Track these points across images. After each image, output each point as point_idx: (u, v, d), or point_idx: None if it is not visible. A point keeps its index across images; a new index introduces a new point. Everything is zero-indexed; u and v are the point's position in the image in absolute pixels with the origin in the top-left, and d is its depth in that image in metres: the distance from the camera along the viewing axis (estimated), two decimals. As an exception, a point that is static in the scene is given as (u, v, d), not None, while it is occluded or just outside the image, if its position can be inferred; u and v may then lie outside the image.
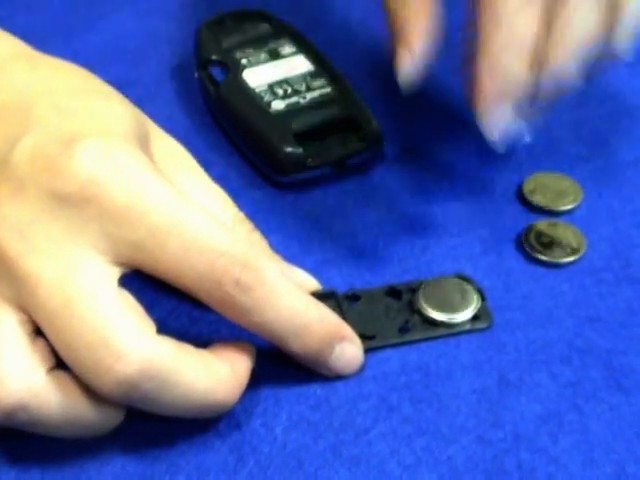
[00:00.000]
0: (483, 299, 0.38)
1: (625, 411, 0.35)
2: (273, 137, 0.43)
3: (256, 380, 0.35)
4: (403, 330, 0.38)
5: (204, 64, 0.48)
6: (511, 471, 0.33)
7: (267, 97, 0.45)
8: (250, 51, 0.48)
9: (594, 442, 0.34)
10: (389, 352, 0.37)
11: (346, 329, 0.35)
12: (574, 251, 0.40)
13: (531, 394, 0.35)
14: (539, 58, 0.36)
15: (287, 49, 0.48)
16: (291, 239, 0.42)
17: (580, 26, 0.36)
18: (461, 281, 0.39)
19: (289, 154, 0.43)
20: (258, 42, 0.49)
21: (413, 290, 0.39)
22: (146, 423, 0.34)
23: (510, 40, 0.36)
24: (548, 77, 0.37)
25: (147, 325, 0.32)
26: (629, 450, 0.34)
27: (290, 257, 0.39)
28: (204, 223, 0.32)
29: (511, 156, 0.45)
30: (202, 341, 0.34)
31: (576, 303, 0.39)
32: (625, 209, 0.43)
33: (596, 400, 0.35)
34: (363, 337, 0.36)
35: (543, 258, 0.40)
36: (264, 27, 0.50)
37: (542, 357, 0.37)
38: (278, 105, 0.45)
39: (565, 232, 0.41)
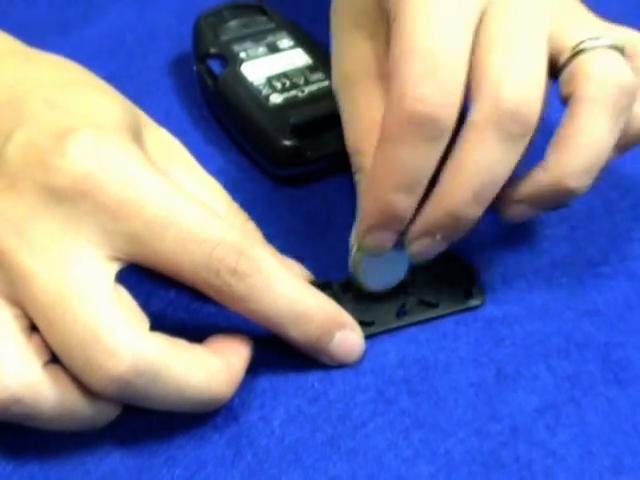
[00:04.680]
0: (473, 277, 0.39)
1: (623, 404, 0.35)
2: (271, 130, 0.43)
3: (254, 373, 0.36)
4: (401, 314, 0.38)
5: (202, 57, 0.48)
6: (509, 464, 0.33)
7: (265, 91, 0.45)
8: (248, 44, 0.48)
9: (592, 435, 0.34)
10: (387, 345, 0.37)
11: (345, 316, 0.36)
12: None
13: (529, 387, 0.36)
14: (437, 197, 0.34)
15: (285, 42, 0.48)
16: (288, 232, 0.42)
17: (481, 168, 0.34)
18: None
19: (287, 147, 0.43)
20: (256, 35, 0.48)
21: None
22: (144, 417, 0.34)
23: (393, 174, 0.34)
24: (445, 215, 0.34)
25: (140, 322, 0.32)
26: (627, 443, 0.34)
27: (287, 250, 0.39)
28: (199, 213, 0.32)
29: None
30: (200, 333, 0.34)
31: (574, 296, 0.39)
32: (623, 202, 0.43)
33: (594, 393, 0.35)
34: (362, 324, 0.37)
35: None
36: (262, 20, 0.50)
37: (540, 350, 0.37)
38: (276, 99, 0.45)
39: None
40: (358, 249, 0.37)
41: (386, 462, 0.33)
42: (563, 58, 0.36)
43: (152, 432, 0.34)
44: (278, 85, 0.45)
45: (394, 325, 0.38)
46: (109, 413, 0.33)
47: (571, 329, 0.38)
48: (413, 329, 0.38)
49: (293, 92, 0.45)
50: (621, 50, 0.36)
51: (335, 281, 0.38)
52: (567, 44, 0.36)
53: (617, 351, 0.37)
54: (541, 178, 0.36)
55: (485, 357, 0.37)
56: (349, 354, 0.36)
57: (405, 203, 0.34)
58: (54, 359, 0.32)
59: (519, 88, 0.33)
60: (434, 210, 0.35)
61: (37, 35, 0.40)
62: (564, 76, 0.36)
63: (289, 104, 0.44)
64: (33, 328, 0.32)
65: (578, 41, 0.36)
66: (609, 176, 0.44)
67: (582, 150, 0.35)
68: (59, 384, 0.31)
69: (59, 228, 0.31)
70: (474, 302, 0.38)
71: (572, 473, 0.33)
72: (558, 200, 0.36)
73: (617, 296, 0.39)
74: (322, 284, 0.38)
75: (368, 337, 0.37)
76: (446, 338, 0.37)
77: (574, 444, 0.34)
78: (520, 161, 0.35)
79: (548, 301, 0.39)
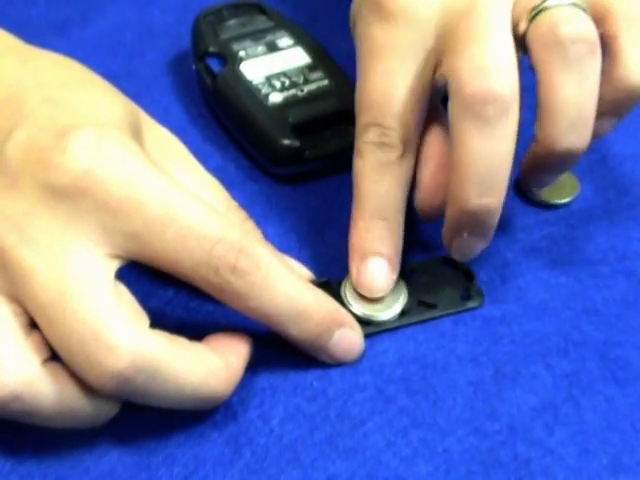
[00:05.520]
0: (471, 279, 0.39)
1: (620, 402, 0.35)
2: (270, 129, 0.43)
3: (253, 372, 0.36)
4: (401, 313, 0.38)
5: (201, 56, 0.48)
6: (507, 463, 0.33)
7: (265, 89, 0.45)
8: (248, 43, 0.48)
9: (590, 433, 0.34)
10: (386, 343, 0.37)
11: (345, 314, 0.36)
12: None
13: (527, 386, 0.36)
14: (448, 198, 0.36)
15: (285, 41, 0.48)
16: (288, 231, 0.42)
17: (473, 159, 0.35)
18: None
19: (286, 146, 0.43)
20: (256, 34, 0.48)
21: (402, 273, 0.39)
22: (143, 414, 0.34)
23: (364, 209, 0.38)
24: (459, 213, 0.36)
25: (140, 319, 0.32)
26: (624, 441, 0.34)
27: (287, 249, 0.39)
28: (199, 211, 0.32)
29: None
30: (199, 332, 0.34)
31: (572, 295, 0.39)
32: (621, 202, 0.43)
33: (592, 392, 0.35)
34: (361, 323, 0.37)
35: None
36: (262, 19, 0.50)
37: (538, 349, 0.37)
38: (276, 98, 0.45)
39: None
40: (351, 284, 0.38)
41: (385, 461, 0.33)
42: (523, 24, 0.36)
43: (151, 430, 0.34)
44: (277, 84, 0.45)
45: (394, 325, 0.38)
46: (108, 411, 0.33)
47: (569, 328, 0.38)
48: (412, 328, 0.38)
49: (292, 91, 0.45)
50: (583, 8, 0.35)
51: (335, 280, 0.39)
52: (528, 7, 0.36)
53: (615, 350, 0.37)
54: (535, 148, 0.36)
55: (483, 356, 0.37)
56: (348, 353, 0.36)
57: (380, 230, 0.37)
58: (53, 357, 0.32)
59: (478, 70, 0.34)
60: (449, 211, 0.36)
61: (36, 34, 0.40)
62: (526, 42, 0.36)
63: (288, 103, 0.44)
64: (33, 325, 0.32)
65: (538, 2, 0.35)
66: (608, 176, 0.44)
67: (557, 110, 0.35)
68: (58, 381, 0.31)
69: (59, 226, 0.31)
70: (472, 304, 0.38)
71: (570, 472, 0.33)
72: (564, 163, 0.37)
73: (615, 295, 0.39)
74: (322, 283, 0.38)
75: (367, 336, 0.37)
76: (445, 337, 0.37)
77: (572, 443, 0.34)
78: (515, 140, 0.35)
79: (546, 300, 0.39)
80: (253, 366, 0.35)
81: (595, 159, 0.45)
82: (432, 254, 0.40)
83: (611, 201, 0.43)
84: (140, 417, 0.34)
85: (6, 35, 0.38)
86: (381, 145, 0.38)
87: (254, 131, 0.44)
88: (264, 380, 0.36)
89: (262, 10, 0.50)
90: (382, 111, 0.38)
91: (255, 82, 0.45)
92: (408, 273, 0.39)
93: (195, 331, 0.34)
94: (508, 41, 0.35)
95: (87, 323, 0.30)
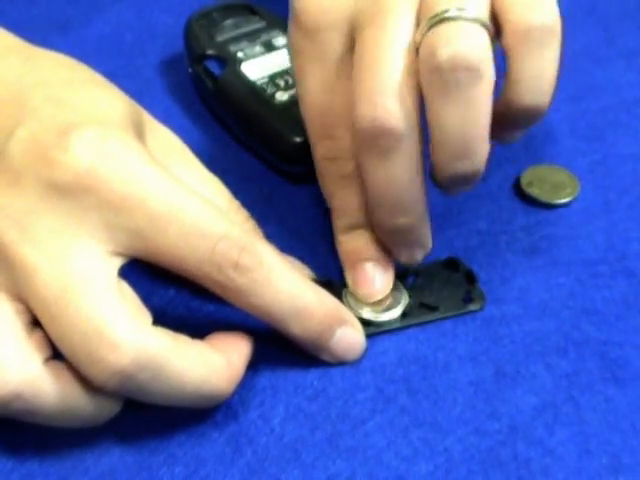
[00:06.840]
0: (473, 281, 0.39)
1: (621, 402, 0.35)
2: (281, 128, 0.43)
3: (253, 371, 0.36)
4: (402, 315, 0.38)
5: (198, 59, 0.48)
6: (507, 462, 0.33)
7: (270, 89, 0.45)
8: (245, 44, 0.48)
9: (590, 433, 0.34)
10: (386, 344, 0.37)
11: (346, 313, 0.36)
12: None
13: (527, 386, 0.36)
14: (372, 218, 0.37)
15: (280, 40, 0.48)
16: (289, 231, 0.42)
17: (377, 186, 0.35)
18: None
19: (298, 144, 0.43)
20: (251, 35, 0.48)
21: (404, 275, 0.39)
22: (144, 414, 0.34)
23: (340, 223, 0.39)
24: (382, 233, 0.37)
25: (142, 316, 0.32)
26: (624, 441, 0.34)
27: (288, 249, 0.39)
28: (202, 208, 0.32)
29: (509, 149, 0.45)
30: (200, 331, 0.34)
31: (572, 295, 0.39)
32: (621, 202, 0.43)
33: (592, 392, 0.35)
34: (363, 323, 0.37)
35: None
36: (254, 19, 0.50)
37: (538, 349, 0.37)
38: (282, 96, 0.45)
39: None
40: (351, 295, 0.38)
41: (385, 460, 0.33)
42: (418, 36, 0.33)
43: (152, 430, 0.34)
44: (281, 83, 0.45)
45: (395, 326, 0.38)
46: (110, 409, 0.33)
47: (569, 328, 0.38)
48: (412, 328, 0.38)
49: (297, 89, 0.45)
50: (482, 22, 0.32)
51: (336, 280, 0.39)
52: (427, 15, 0.33)
53: (615, 350, 0.37)
54: (432, 170, 0.35)
55: (484, 356, 0.37)
56: (349, 351, 0.36)
57: (361, 238, 0.38)
58: (56, 355, 0.32)
59: (369, 103, 0.33)
60: (376, 230, 0.37)
61: (37, 34, 0.40)
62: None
63: (295, 101, 0.44)
64: (35, 324, 0.32)
65: (435, 12, 0.32)
66: (608, 176, 0.44)
67: (440, 139, 0.33)
68: (60, 380, 0.31)
69: (62, 223, 0.31)
70: (473, 307, 0.38)
71: (570, 472, 0.33)
72: (460, 185, 0.36)
73: (615, 295, 0.39)
74: (323, 282, 0.38)
75: (368, 337, 0.37)
76: (445, 337, 0.37)
77: (572, 443, 0.34)
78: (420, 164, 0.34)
79: (546, 300, 0.39)
80: (254, 365, 0.35)
81: (595, 159, 0.45)
82: (433, 256, 0.40)
83: (611, 201, 0.43)
84: (141, 416, 0.34)
85: (8, 34, 0.38)
86: (334, 160, 0.37)
87: (264, 130, 0.44)
88: (265, 379, 0.36)
89: (252, 10, 0.50)
90: (328, 122, 0.37)
91: (259, 82, 0.45)
92: (410, 275, 0.39)
93: (196, 330, 0.34)
94: (405, 61, 0.33)
95: (90, 320, 0.30)
